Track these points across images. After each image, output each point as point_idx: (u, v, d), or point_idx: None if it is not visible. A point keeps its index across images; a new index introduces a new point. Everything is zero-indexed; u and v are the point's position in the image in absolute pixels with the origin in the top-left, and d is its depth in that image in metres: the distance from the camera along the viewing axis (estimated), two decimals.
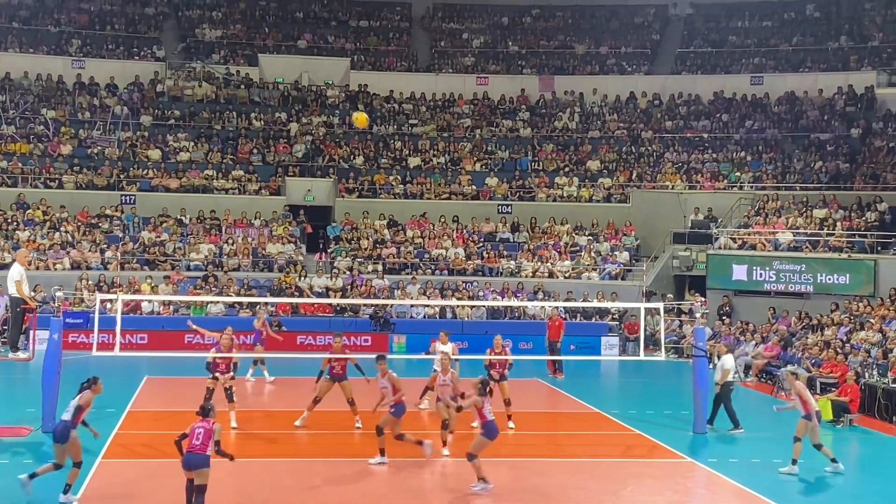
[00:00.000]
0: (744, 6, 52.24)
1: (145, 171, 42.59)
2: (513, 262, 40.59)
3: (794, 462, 19.08)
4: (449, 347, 23.54)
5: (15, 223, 39.19)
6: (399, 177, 44.19)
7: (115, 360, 24.90)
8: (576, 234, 42.18)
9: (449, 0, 54.72)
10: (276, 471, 18.44)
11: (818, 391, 26.86)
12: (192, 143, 44.48)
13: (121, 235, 39.58)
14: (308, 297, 37.14)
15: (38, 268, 36.75)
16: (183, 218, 41.09)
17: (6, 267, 29.55)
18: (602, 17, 53.60)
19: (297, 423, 22.01)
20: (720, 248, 39.34)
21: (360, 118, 27.21)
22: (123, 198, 41.59)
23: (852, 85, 45.98)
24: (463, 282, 39.00)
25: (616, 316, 38.16)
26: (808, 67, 48.24)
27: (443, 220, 42.37)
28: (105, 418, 22.40)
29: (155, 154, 43.55)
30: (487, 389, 17.68)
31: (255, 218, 41.52)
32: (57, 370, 20.77)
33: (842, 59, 48.15)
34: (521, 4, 54.18)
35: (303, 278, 38.38)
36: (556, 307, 33.51)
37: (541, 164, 45.38)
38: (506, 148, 46.31)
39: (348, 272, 39.10)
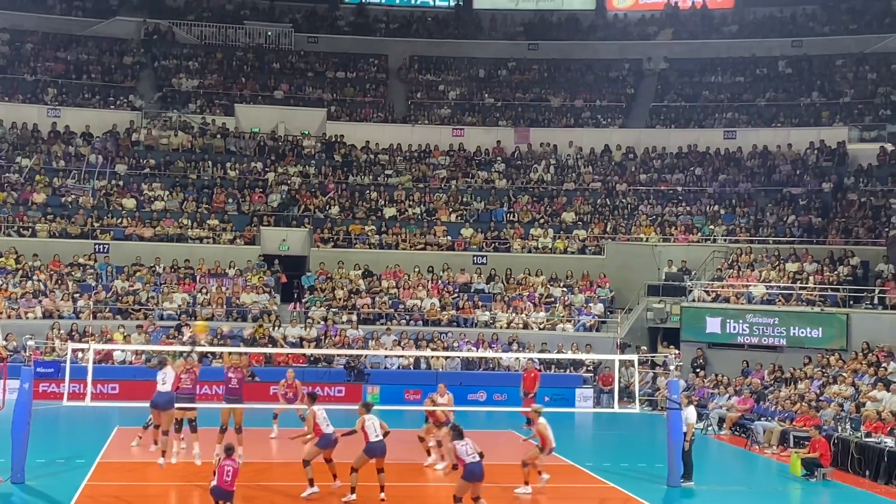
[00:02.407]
0: (717, 62, 52.80)
1: (119, 220, 42.45)
2: (487, 312, 40.57)
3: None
4: (446, 399, 24.37)
5: None
6: (374, 227, 44.20)
7: (86, 410, 24.71)
8: (550, 285, 42.23)
9: (425, 52, 55.04)
10: None
11: (791, 445, 26.89)
12: (167, 192, 44.40)
13: (94, 284, 39.39)
14: (282, 346, 36.99)
15: (9, 316, 36.56)
16: (157, 267, 40.92)
17: None
18: (577, 71, 54.00)
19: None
20: (694, 300, 39.46)
21: (199, 327, 27.49)
22: (97, 246, 41.39)
23: (824, 140, 46.43)
24: (438, 332, 38.95)
25: (590, 368, 38.14)
26: (781, 122, 48.71)
27: (417, 270, 42.37)
28: (75, 469, 22.25)
29: (129, 203, 43.43)
30: (460, 433, 18.41)
31: (230, 267, 41.40)
32: (27, 420, 20.57)
33: (814, 114, 48.66)
34: (496, 57, 54.60)
35: (277, 328, 38.24)
36: (531, 359, 33.49)
37: (516, 215, 45.50)
38: (481, 199, 46.42)
39: (322, 322, 38.99)
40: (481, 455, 18.37)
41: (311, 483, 20.25)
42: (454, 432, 18.52)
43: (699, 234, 43.46)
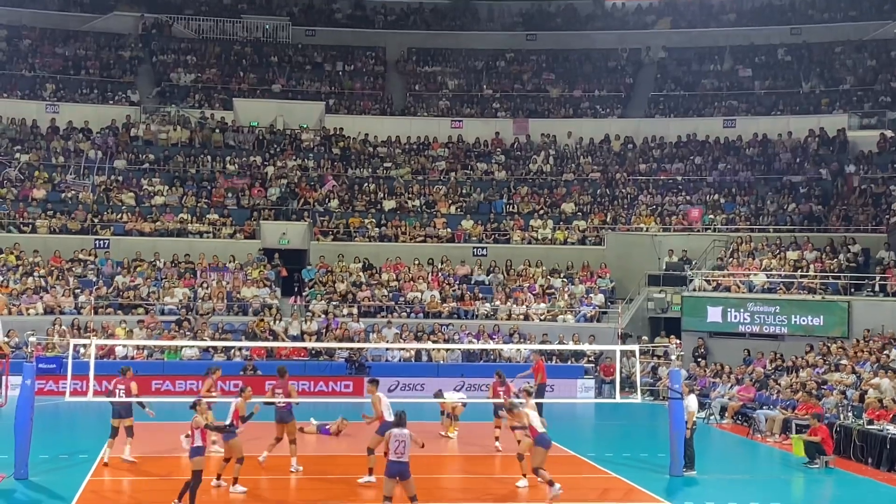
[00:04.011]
0: (715, 50, 52.73)
1: (119, 216, 42.41)
2: (488, 304, 40.56)
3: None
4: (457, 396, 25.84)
5: None
6: (374, 220, 44.18)
7: (89, 406, 24.71)
8: (551, 276, 42.22)
9: (423, 44, 54.98)
10: None
11: (794, 433, 26.89)
12: (166, 187, 44.38)
13: (94, 280, 39.39)
14: (283, 340, 37.00)
15: (10, 313, 36.53)
16: (157, 262, 40.90)
17: None
18: (576, 61, 53.95)
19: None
20: (695, 290, 39.46)
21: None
22: (97, 242, 41.38)
23: (824, 127, 46.36)
24: (439, 325, 38.94)
25: (592, 358, 38.14)
26: (780, 110, 48.66)
27: (417, 262, 42.35)
28: (78, 465, 22.28)
29: (129, 198, 43.41)
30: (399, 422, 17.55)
31: (230, 262, 41.39)
32: (30, 416, 20.62)
33: (813, 102, 48.60)
34: (495, 48, 54.53)
35: (277, 322, 38.24)
36: (535, 350, 33.52)
37: (515, 206, 45.47)
38: (481, 191, 46.40)
39: (323, 315, 38.97)
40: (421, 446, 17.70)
41: (371, 472, 20.58)
42: (396, 419, 17.54)
43: (699, 223, 43.39)
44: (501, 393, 25.02)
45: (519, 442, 20.94)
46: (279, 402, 22.16)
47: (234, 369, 34.67)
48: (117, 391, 22.96)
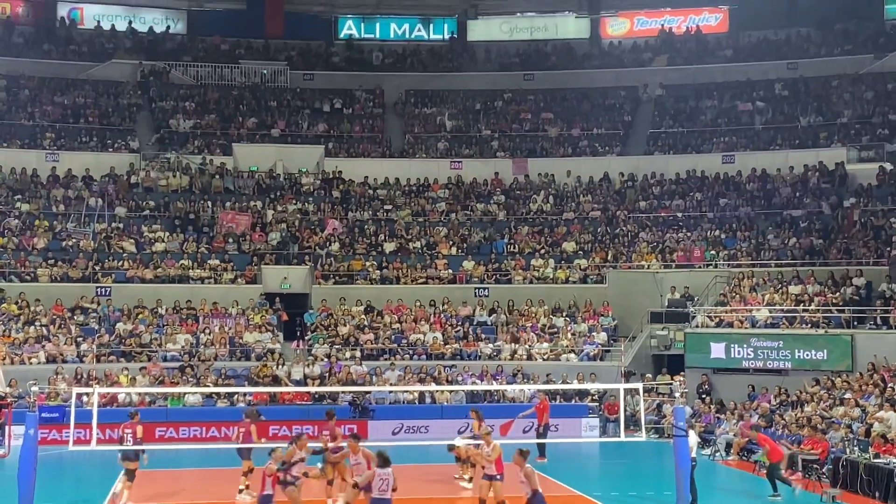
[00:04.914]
0: (713, 86, 52.88)
1: (120, 263, 42.44)
2: (491, 345, 40.50)
3: None
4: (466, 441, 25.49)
5: None
6: (375, 262, 44.18)
7: (92, 455, 24.63)
8: (553, 315, 42.16)
9: (421, 86, 55.16)
10: None
11: (800, 468, 26.77)
12: (167, 234, 44.42)
13: (96, 328, 39.35)
14: (286, 385, 36.92)
15: (13, 362, 36.50)
16: (159, 308, 40.88)
17: None
18: (574, 100, 54.08)
19: None
20: (697, 326, 39.38)
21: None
22: (99, 290, 41.38)
23: (823, 161, 46.42)
24: (442, 366, 38.85)
25: (596, 397, 38.04)
26: (779, 145, 48.72)
27: (419, 304, 42.32)
28: None
29: (130, 245, 43.43)
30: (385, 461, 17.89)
31: (232, 307, 41.37)
32: (33, 466, 20.52)
33: (811, 136, 48.68)
34: (493, 89, 54.67)
35: (280, 366, 38.17)
36: (540, 390, 33.42)
37: (516, 246, 45.46)
38: (481, 231, 46.42)
39: (326, 359, 38.92)
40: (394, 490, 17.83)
41: None
42: (380, 459, 17.87)
43: (701, 258, 43.34)
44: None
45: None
46: (330, 445, 22.48)
47: (237, 415, 34.51)
48: (125, 435, 23.04)
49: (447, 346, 40.28)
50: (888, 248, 40.00)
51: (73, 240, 43.28)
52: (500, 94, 54.48)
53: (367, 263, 44.05)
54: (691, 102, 52.65)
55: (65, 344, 38.11)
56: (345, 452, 22.00)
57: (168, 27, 56.80)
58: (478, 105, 54.05)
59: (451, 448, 27.12)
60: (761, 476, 27.08)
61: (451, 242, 45.51)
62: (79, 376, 35.80)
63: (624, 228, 46.13)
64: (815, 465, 27.05)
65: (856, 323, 36.74)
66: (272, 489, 18.07)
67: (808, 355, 36.35)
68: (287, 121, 51.88)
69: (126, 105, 51.29)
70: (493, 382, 37.52)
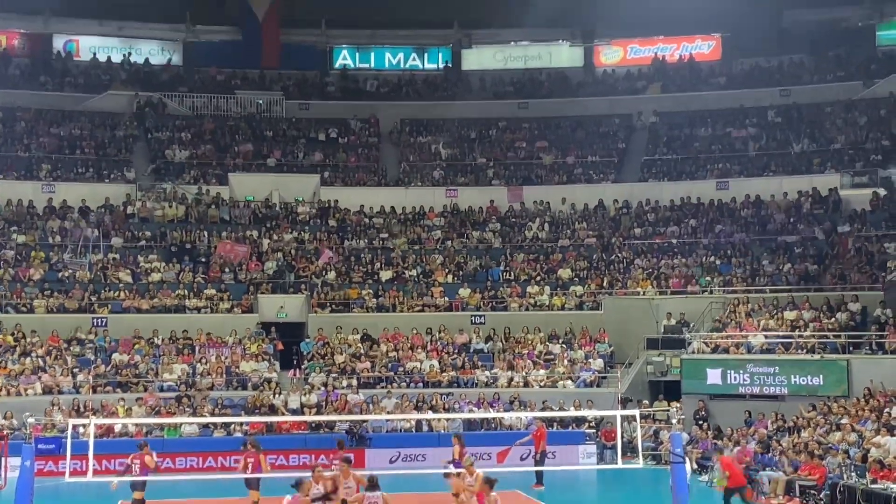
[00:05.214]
0: (706, 113, 53.07)
1: (117, 293, 42.45)
2: (487, 372, 40.51)
3: None
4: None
5: None
6: (371, 290, 44.22)
7: (89, 486, 24.60)
8: (549, 342, 42.20)
9: (416, 115, 55.34)
10: None
11: (797, 494, 26.77)
12: (163, 264, 44.45)
13: (93, 358, 39.33)
14: (283, 414, 36.88)
15: (8, 393, 36.47)
16: (155, 339, 40.88)
17: None
18: (568, 128, 54.25)
19: None
20: (694, 352, 39.41)
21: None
22: (95, 320, 41.37)
23: (816, 187, 46.57)
24: (438, 394, 38.84)
25: (593, 424, 38.02)
26: (773, 171, 48.87)
27: (416, 332, 42.34)
28: None
29: (126, 276, 43.45)
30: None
31: (229, 336, 41.38)
32: (30, 498, 20.48)
33: (805, 162, 48.86)
34: (487, 117, 54.87)
35: (277, 396, 38.15)
36: (537, 417, 33.41)
37: (512, 273, 45.54)
38: (477, 258, 46.50)
39: (323, 388, 38.91)
40: None
41: None
42: (369, 483, 18.27)
43: (696, 285, 43.45)
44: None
45: None
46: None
47: (235, 445, 34.49)
48: (133, 465, 23.20)
49: (444, 374, 40.30)
50: (882, 274, 40.10)
51: (70, 271, 43.29)
52: (495, 122, 54.68)
53: (364, 292, 44.09)
54: (685, 130, 52.84)
55: (61, 375, 38.07)
56: (336, 476, 21.97)
57: (166, 59, 56.96)
58: (473, 133, 54.21)
59: (447, 476, 27.03)
60: (759, 503, 27.05)
61: (447, 270, 45.58)
62: (75, 407, 35.74)
63: (619, 255, 46.21)
64: (812, 491, 27.03)
65: (851, 348, 36.79)
66: None
67: (804, 381, 36.39)
68: (283, 150, 52.00)
69: (122, 136, 51.36)
70: (490, 410, 37.51)
